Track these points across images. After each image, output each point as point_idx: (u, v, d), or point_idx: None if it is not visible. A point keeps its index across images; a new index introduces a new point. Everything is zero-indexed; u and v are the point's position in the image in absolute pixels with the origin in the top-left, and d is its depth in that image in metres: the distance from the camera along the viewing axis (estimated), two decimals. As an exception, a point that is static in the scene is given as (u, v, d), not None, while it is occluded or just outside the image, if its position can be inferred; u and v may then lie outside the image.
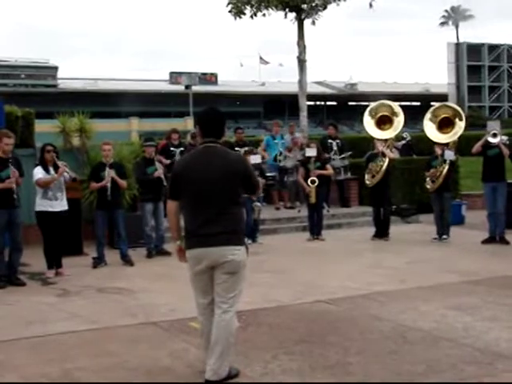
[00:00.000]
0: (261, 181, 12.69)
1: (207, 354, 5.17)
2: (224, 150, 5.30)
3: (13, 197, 9.28)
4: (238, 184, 5.19)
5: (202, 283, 5.23)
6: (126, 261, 10.80)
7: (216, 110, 5.49)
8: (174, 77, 69.85)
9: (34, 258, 10.51)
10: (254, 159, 12.64)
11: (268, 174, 14.53)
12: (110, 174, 10.70)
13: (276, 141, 16.31)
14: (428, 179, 12.52)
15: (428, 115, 13.07)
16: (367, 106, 14.11)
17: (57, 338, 6.63)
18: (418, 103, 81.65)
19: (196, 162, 5.25)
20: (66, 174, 9.96)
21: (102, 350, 6.15)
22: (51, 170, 9.93)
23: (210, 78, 73.95)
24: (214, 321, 5.17)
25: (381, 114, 13.15)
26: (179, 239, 5.40)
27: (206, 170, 5.12)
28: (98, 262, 10.72)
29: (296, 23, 19.10)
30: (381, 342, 6.25)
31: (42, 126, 15.39)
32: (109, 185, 10.66)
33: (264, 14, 19.29)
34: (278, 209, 15.71)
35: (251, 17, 19.24)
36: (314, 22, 19.26)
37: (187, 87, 59.19)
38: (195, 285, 5.29)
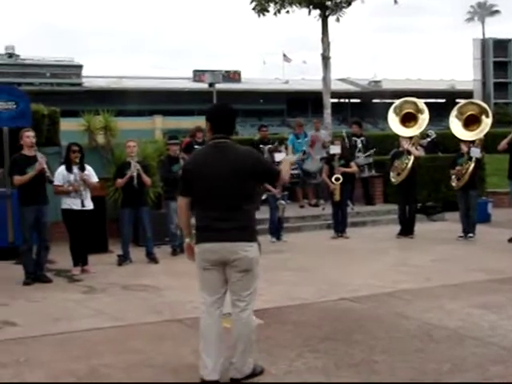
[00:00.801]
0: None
1: (210, 358, 5.10)
2: (234, 146, 5.25)
3: (42, 194, 9.37)
4: (250, 179, 5.12)
5: (210, 279, 5.16)
6: (151, 258, 10.85)
7: (226, 105, 5.45)
8: (198, 75, 70.07)
9: (60, 256, 10.60)
10: (279, 157, 12.63)
11: (292, 172, 14.50)
12: (135, 166, 10.74)
13: (299, 140, 16.27)
14: (454, 177, 12.43)
15: (454, 112, 12.97)
16: (391, 103, 14.03)
17: (83, 335, 6.68)
18: (443, 100, 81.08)
19: (207, 157, 5.20)
20: (82, 190, 9.99)
21: (128, 347, 6.18)
22: (74, 169, 9.99)
23: (233, 76, 74.09)
24: (233, 320, 5.17)
25: (406, 111, 13.07)
26: (189, 236, 5.39)
27: (216, 165, 5.07)
28: (123, 259, 10.78)
29: (320, 20, 19.07)
30: (406, 340, 6.22)
31: (67, 125, 15.48)
32: (135, 175, 10.69)
33: (288, 11, 19.28)
34: (302, 207, 15.69)
35: (275, 14, 19.24)
36: (338, 19, 19.24)
37: (211, 85, 59.08)
38: (203, 281, 5.21)
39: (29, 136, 9.45)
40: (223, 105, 5.49)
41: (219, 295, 5.18)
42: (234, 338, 5.14)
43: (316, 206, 15.81)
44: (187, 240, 5.41)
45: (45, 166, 9.33)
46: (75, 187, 9.85)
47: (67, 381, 5.33)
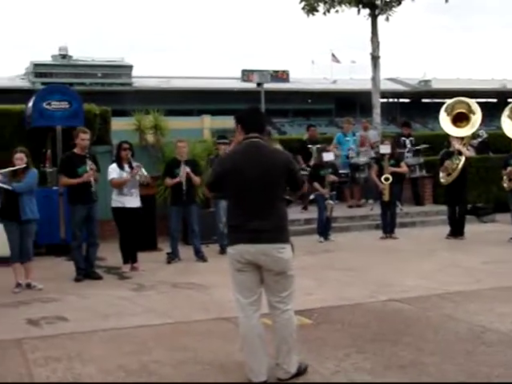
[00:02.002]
0: (333, 178, 12.69)
1: (256, 360, 5.11)
2: (267, 146, 5.26)
3: (91, 192, 9.52)
4: (282, 179, 5.12)
5: (244, 281, 5.12)
6: (200, 257, 10.93)
7: (256, 107, 5.57)
8: (246, 74, 69.97)
9: (110, 253, 10.76)
10: (327, 156, 12.62)
11: (341, 172, 14.46)
12: (185, 169, 10.83)
13: (347, 138, 16.23)
14: (505, 177, 12.23)
15: (506, 112, 12.77)
16: (441, 103, 13.89)
17: (132, 332, 6.76)
18: (495, 100, 79.77)
19: (240, 157, 5.19)
20: (137, 176, 10.10)
21: (177, 344, 6.24)
22: (126, 167, 10.12)
23: (281, 76, 73.81)
24: (274, 322, 5.17)
25: (457, 111, 12.90)
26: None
27: (250, 165, 5.06)
28: (172, 257, 10.88)
29: (369, 19, 18.95)
30: (456, 342, 6.14)
31: (118, 124, 15.70)
32: (184, 181, 10.78)
33: (337, 11, 19.22)
34: (350, 207, 15.64)
35: (324, 13, 19.20)
36: (387, 18, 19.10)
37: (259, 85, 59.03)
38: (237, 282, 5.17)
39: (84, 139, 9.60)
40: (252, 107, 5.59)
41: (255, 297, 5.14)
42: (277, 339, 5.13)
43: (359, 206, 15.77)
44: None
45: (92, 179, 9.46)
46: (134, 173, 9.96)
47: (118, 375, 5.41)
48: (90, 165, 9.49)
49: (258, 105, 54.26)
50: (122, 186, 10.01)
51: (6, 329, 6.95)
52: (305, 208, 14.85)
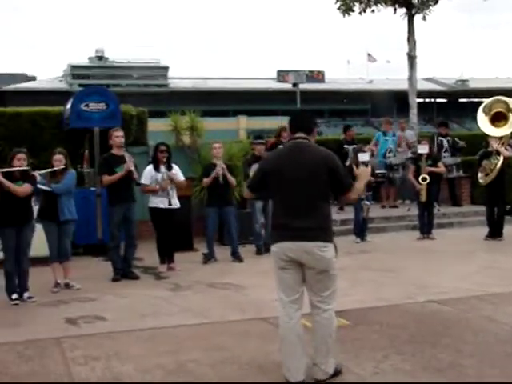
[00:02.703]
0: (369, 178, 12.61)
1: (292, 359, 5.10)
2: (314, 146, 5.28)
3: (130, 193, 9.59)
4: (327, 180, 5.11)
5: (287, 279, 5.17)
6: (236, 257, 10.94)
7: (305, 110, 5.58)
8: (282, 75, 70.14)
9: (147, 253, 10.84)
10: (363, 157, 12.54)
11: (378, 172, 14.38)
12: (220, 165, 10.85)
13: (386, 138, 16.14)
14: (480, 174, 12.08)
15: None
16: (479, 102, 13.73)
17: (170, 331, 6.80)
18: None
19: (285, 157, 5.25)
20: (169, 187, 10.14)
21: (214, 344, 6.25)
22: (162, 168, 10.17)
23: (317, 76, 73.78)
24: (314, 321, 5.16)
25: (495, 110, 12.72)
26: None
27: (294, 165, 5.11)
28: (208, 257, 10.91)
29: (406, 19, 18.83)
30: (495, 344, 6.06)
31: (155, 125, 15.80)
32: (220, 176, 10.81)
33: (373, 11, 19.13)
34: (383, 207, 15.56)
35: (360, 13, 19.12)
36: (424, 18, 18.95)
37: (294, 85, 59.12)
38: (280, 280, 5.23)
39: (118, 136, 9.70)
40: (302, 109, 5.62)
41: (297, 295, 5.16)
42: (316, 339, 5.13)
43: (395, 206, 15.67)
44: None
45: (132, 168, 9.55)
46: (163, 186, 10.03)
47: (156, 374, 5.44)
48: (127, 156, 9.56)
49: (293, 105, 54.18)
50: (151, 194, 10.09)
51: (45, 328, 7.04)
52: (341, 209, 14.80)
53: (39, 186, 8.74)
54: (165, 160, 10.17)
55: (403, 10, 18.86)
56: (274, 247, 5.20)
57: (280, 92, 68.23)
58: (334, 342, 5.20)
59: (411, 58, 18.95)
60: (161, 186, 10.05)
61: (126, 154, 9.64)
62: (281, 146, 14.04)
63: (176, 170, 10.29)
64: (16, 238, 8.31)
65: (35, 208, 8.98)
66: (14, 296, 8.30)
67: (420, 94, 24.60)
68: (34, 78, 69.42)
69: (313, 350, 5.16)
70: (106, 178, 9.70)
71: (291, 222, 5.05)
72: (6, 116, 13.08)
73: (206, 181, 11.05)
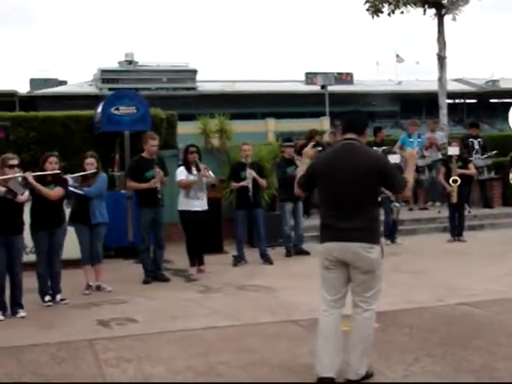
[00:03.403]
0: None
1: (328, 357, 5.10)
2: (364, 147, 5.33)
3: (157, 196, 9.65)
4: (376, 182, 5.16)
5: (331, 278, 5.22)
6: (265, 259, 10.96)
7: (359, 110, 5.74)
8: (310, 77, 70.00)
9: (177, 256, 10.90)
10: (393, 159, 12.46)
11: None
12: (251, 173, 10.88)
13: (411, 139, 16.02)
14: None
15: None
16: (510, 103, 13.63)
17: (200, 333, 6.83)
18: None
19: (335, 157, 5.31)
20: (205, 178, 10.20)
21: (244, 346, 6.27)
22: (193, 170, 10.22)
23: (345, 78, 73.53)
24: (354, 320, 5.18)
25: (527, 110, 12.62)
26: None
27: (343, 165, 5.16)
28: (238, 260, 10.94)
29: (436, 19, 18.71)
30: (529, 347, 6.01)
31: (184, 128, 15.89)
32: (250, 186, 10.84)
33: (402, 12, 19.04)
34: (410, 209, 15.44)
35: (389, 14, 19.04)
36: (454, 18, 18.82)
37: (323, 87, 59.13)
38: (324, 279, 5.29)
39: (153, 145, 9.75)
40: (355, 109, 5.68)
41: (340, 295, 5.22)
42: (353, 338, 5.14)
43: (425, 209, 15.57)
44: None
45: (158, 185, 9.59)
46: (202, 174, 10.06)
47: (187, 376, 5.47)
48: (157, 172, 9.62)
49: (321, 107, 54.03)
50: (189, 189, 10.13)
51: (77, 329, 7.12)
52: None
53: (71, 189, 8.83)
54: (195, 160, 10.21)
55: (433, 11, 18.75)
56: (321, 247, 5.28)
57: (308, 94, 68.15)
58: (371, 344, 5.20)
59: (441, 59, 18.83)
60: (201, 173, 10.08)
61: (156, 169, 9.67)
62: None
63: (205, 166, 10.31)
64: (48, 241, 8.41)
65: (67, 211, 9.09)
66: (47, 298, 8.40)
67: (450, 95, 24.47)
68: (65, 83, 70.10)
69: (349, 349, 5.16)
70: (132, 184, 9.80)
71: (338, 223, 5.12)
72: (38, 120, 13.26)
73: (234, 185, 11.08)
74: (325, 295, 5.27)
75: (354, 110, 5.80)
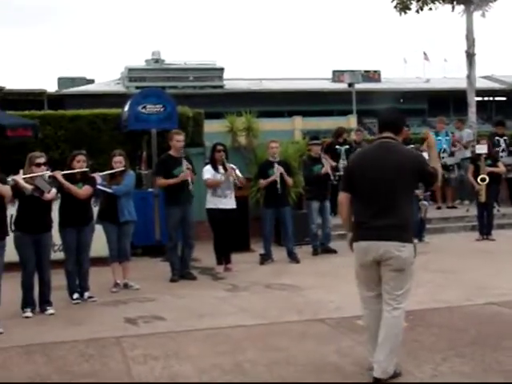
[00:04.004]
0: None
1: (375, 350, 5.15)
2: (399, 146, 5.36)
3: (187, 194, 9.67)
4: (411, 180, 5.22)
5: (366, 276, 5.29)
6: (292, 258, 10.94)
7: (395, 107, 5.63)
8: (337, 75, 69.72)
9: (204, 254, 10.91)
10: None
11: (434, 172, 14.16)
12: (278, 169, 10.86)
13: (439, 137, 15.89)
14: None
15: None
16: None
17: (227, 331, 6.83)
18: None
19: (370, 156, 5.37)
20: (231, 178, 10.19)
21: (271, 345, 6.26)
22: (220, 168, 10.22)
23: (373, 76, 73.18)
24: (383, 318, 5.18)
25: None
26: (351, 231, 5.48)
27: (378, 164, 5.20)
28: (265, 258, 10.93)
29: (464, 16, 18.55)
30: (560, 348, 5.93)
31: (211, 126, 15.89)
32: (278, 179, 10.82)
33: (430, 8, 18.91)
34: (439, 208, 15.32)
35: (417, 11, 18.92)
36: (483, 14, 18.63)
37: (350, 85, 58.73)
38: (360, 277, 5.37)
39: (179, 140, 9.77)
40: (392, 107, 5.69)
41: (376, 292, 5.27)
42: (381, 336, 5.13)
43: (453, 207, 15.44)
44: (349, 235, 5.49)
45: (188, 179, 9.61)
46: (228, 175, 10.06)
47: (213, 374, 5.47)
48: (186, 165, 9.64)
49: (348, 105, 53.86)
50: (217, 187, 10.13)
51: (105, 327, 7.16)
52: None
53: (100, 187, 8.89)
54: (222, 159, 10.21)
55: (461, 8, 18.60)
56: (355, 245, 5.32)
57: (335, 92, 67.87)
58: (399, 342, 5.19)
59: (470, 56, 18.65)
60: (227, 173, 10.08)
61: (185, 162, 9.69)
62: (338, 147, 14.11)
63: (232, 166, 10.31)
64: (76, 239, 8.47)
65: (95, 209, 9.15)
66: (75, 296, 8.46)
67: (479, 93, 24.19)
68: (92, 81, 70.48)
69: (378, 347, 5.14)
70: (161, 181, 9.81)
71: (371, 221, 5.16)
72: (66, 118, 13.36)
73: (262, 183, 11.06)
74: (362, 292, 5.38)
75: (390, 107, 5.74)
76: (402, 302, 5.19)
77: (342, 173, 12.09)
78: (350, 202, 5.39)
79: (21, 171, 7.85)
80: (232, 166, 10.27)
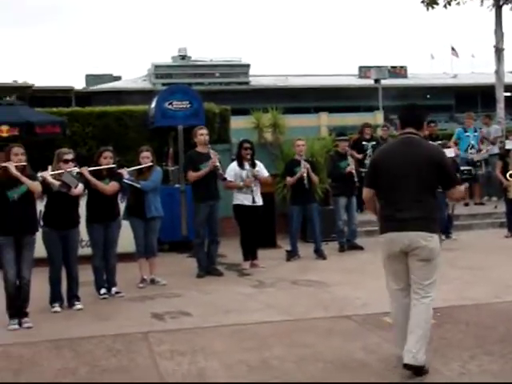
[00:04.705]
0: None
1: (405, 341, 5.16)
2: (421, 141, 5.46)
3: (215, 190, 9.69)
4: (434, 175, 5.27)
5: (394, 268, 5.38)
6: (319, 254, 10.92)
7: (416, 104, 5.83)
8: (364, 71, 69.41)
9: (230, 250, 10.94)
10: (448, 153, 12.27)
11: (463, 168, 14.06)
12: (305, 166, 10.84)
13: (467, 134, 15.75)
14: None
15: None
16: None
17: (253, 327, 6.84)
18: None
19: (394, 151, 5.47)
20: (253, 184, 10.18)
21: (297, 341, 6.26)
22: (246, 165, 10.22)
23: (399, 71, 72.75)
24: (412, 307, 5.23)
25: None
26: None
27: (402, 159, 5.30)
28: (292, 254, 10.92)
29: (493, 10, 18.37)
30: None
31: (237, 122, 15.91)
32: (305, 176, 10.80)
33: (458, 3, 18.76)
34: (466, 205, 15.16)
35: (444, 6, 18.78)
36: (513, 8, 18.45)
37: (376, 81, 58.48)
38: (387, 269, 5.45)
39: (203, 134, 9.79)
40: (413, 103, 5.86)
41: (405, 284, 5.34)
42: (411, 324, 5.19)
43: (482, 204, 15.30)
44: None
45: (218, 164, 9.63)
46: (247, 183, 10.09)
47: (240, 370, 5.48)
48: (213, 153, 9.64)
49: (375, 101, 53.60)
50: (235, 191, 10.16)
51: (132, 322, 7.20)
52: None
53: (128, 182, 8.94)
54: (249, 157, 10.22)
55: (490, 2, 18.43)
56: (381, 237, 5.42)
57: (362, 88, 67.59)
58: (428, 331, 5.20)
59: (498, 51, 18.48)
60: (245, 182, 10.10)
61: (211, 151, 9.72)
62: (364, 143, 14.04)
63: (260, 166, 10.32)
64: (103, 235, 8.53)
65: (122, 205, 9.20)
66: (103, 291, 8.52)
67: (507, 88, 23.96)
68: (119, 78, 70.88)
69: (408, 336, 5.16)
70: (192, 174, 9.80)
71: (397, 214, 5.24)
72: (94, 115, 13.47)
73: (290, 180, 11.05)
74: (390, 285, 5.43)
75: (411, 103, 5.81)
76: (430, 292, 5.25)
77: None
78: (375, 197, 5.49)
79: (49, 167, 7.95)
80: (258, 164, 10.25)
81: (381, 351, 5.84)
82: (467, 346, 5.92)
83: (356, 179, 11.29)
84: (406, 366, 5.10)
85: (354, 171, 11.41)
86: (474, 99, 70.40)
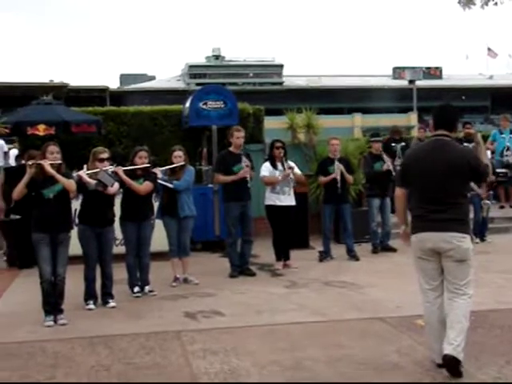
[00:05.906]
0: (490, 177, 12.20)
1: (440, 339, 5.21)
2: (453, 143, 5.47)
3: (245, 190, 9.71)
4: (465, 176, 5.33)
5: (426, 267, 5.40)
6: (352, 256, 10.88)
7: (449, 105, 5.79)
8: (398, 72, 68.92)
9: (263, 250, 10.94)
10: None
11: (498, 171, 13.91)
12: (339, 167, 10.81)
13: (503, 135, 15.57)
14: None
15: None
16: None
17: (286, 328, 6.84)
18: None
19: (425, 153, 5.51)
20: (290, 178, 10.16)
21: (331, 342, 6.24)
22: (279, 165, 10.21)
23: (434, 72, 72.06)
24: (451, 304, 5.24)
25: None
26: (405, 224, 5.68)
27: (433, 160, 5.34)
28: (324, 255, 10.89)
29: (531, 11, 18.15)
30: None
31: (271, 123, 15.89)
32: (338, 177, 10.77)
33: (496, 3, 18.52)
34: (502, 207, 15.00)
35: (482, 6, 18.54)
36: (551, 9, 18.21)
37: (411, 82, 58.10)
38: (419, 269, 5.48)
39: (239, 137, 9.80)
40: (446, 104, 5.83)
41: (436, 283, 5.37)
42: (450, 320, 5.21)
43: None
44: (403, 227, 5.69)
45: (247, 176, 9.64)
46: (285, 175, 10.04)
47: (272, 370, 5.48)
48: (244, 162, 9.68)
49: (409, 103, 53.24)
50: (274, 185, 10.13)
51: (166, 321, 7.25)
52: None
53: (161, 182, 8.99)
54: (282, 155, 10.20)
55: (529, 2, 18.17)
56: (414, 237, 5.43)
57: (396, 89, 67.16)
58: (467, 326, 5.21)
59: (536, 52, 18.23)
60: (283, 174, 10.07)
61: (244, 159, 9.73)
62: (393, 144, 13.93)
63: (292, 165, 10.30)
64: (137, 233, 8.59)
65: (155, 204, 9.25)
66: (136, 289, 8.58)
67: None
68: (154, 78, 71.30)
69: (447, 330, 5.18)
70: (220, 178, 9.85)
71: (429, 214, 5.28)
72: (129, 115, 13.57)
73: (323, 180, 11.02)
74: (422, 285, 5.45)
75: (443, 104, 5.80)
76: (467, 291, 5.29)
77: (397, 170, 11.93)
78: (406, 197, 5.55)
79: (85, 166, 8.03)
80: (291, 163, 10.23)
81: (415, 354, 5.80)
82: (502, 350, 5.86)
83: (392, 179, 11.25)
84: (446, 357, 5.09)
85: (391, 168, 11.36)
86: (510, 100, 69.53)
